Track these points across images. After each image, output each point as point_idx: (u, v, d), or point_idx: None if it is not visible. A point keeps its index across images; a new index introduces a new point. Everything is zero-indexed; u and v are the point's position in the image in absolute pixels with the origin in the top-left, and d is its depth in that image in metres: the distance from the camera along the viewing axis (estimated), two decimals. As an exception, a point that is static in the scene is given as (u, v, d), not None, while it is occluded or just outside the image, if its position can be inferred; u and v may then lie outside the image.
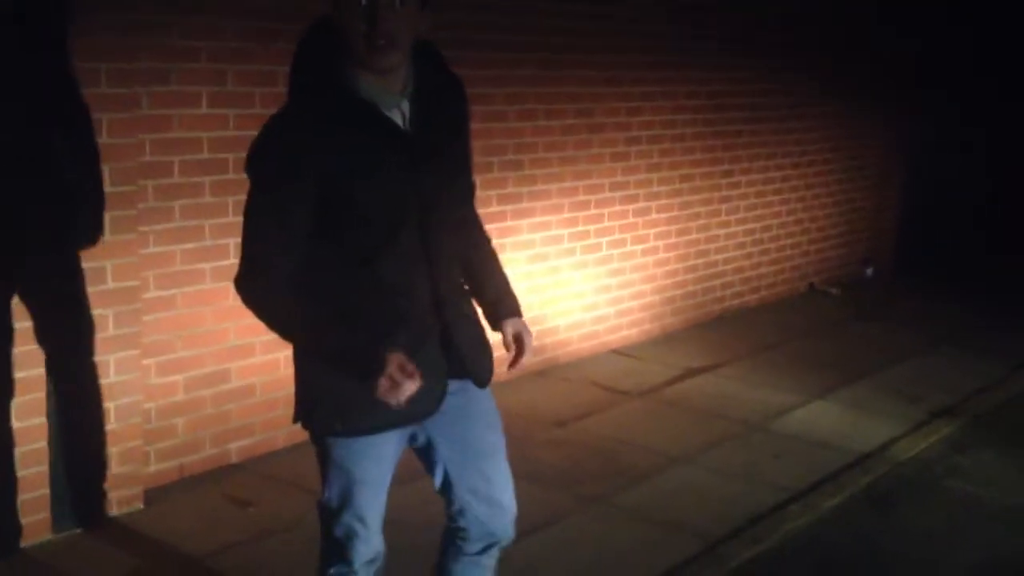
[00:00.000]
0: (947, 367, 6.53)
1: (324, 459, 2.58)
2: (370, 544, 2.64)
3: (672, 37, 6.58)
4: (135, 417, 4.13)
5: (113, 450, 4.08)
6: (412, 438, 2.61)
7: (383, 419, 2.41)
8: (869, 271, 9.12)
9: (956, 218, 9.61)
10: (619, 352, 6.54)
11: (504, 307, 2.67)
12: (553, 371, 6.12)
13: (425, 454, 2.66)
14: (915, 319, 7.72)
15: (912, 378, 6.27)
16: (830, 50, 8.11)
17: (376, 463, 2.54)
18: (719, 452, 5.02)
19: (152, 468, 4.32)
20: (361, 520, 2.59)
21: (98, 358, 3.97)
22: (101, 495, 4.07)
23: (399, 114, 2.33)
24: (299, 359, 2.54)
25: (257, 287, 2.34)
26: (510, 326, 2.65)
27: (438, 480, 2.68)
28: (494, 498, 2.71)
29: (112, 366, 4.02)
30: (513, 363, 2.67)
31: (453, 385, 2.52)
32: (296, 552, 3.81)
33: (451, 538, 2.80)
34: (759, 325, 7.37)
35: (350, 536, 2.62)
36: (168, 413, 4.37)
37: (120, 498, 4.13)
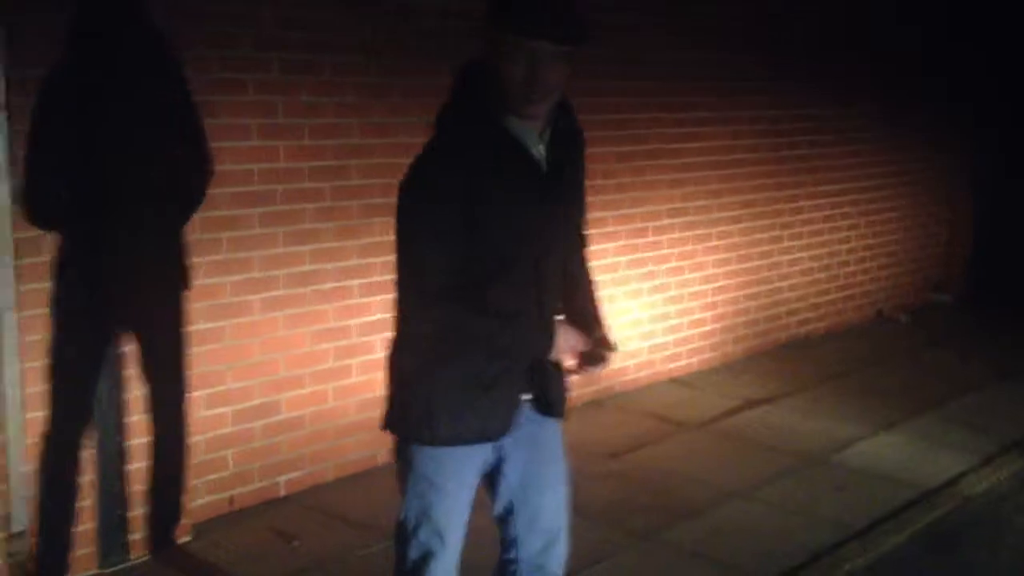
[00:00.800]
0: (1018, 399, 6.29)
1: (406, 471, 2.61)
2: (447, 568, 2.63)
3: (732, 62, 6.47)
4: (179, 452, 4.12)
5: (161, 483, 4.08)
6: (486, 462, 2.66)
7: (465, 431, 2.51)
8: (940, 298, 8.87)
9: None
10: (677, 381, 6.43)
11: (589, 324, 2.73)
12: (608, 401, 6.02)
13: (492, 479, 2.69)
14: (986, 349, 7.46)
15: (982, 410, 6.05)
16: (899, 71, 7.93)
17: (457, 477, 2.58)
18: (777, 486, 4.88)
19: (201, 501, 4.32)
20: (440, 537, 2.59)
21: (140, 392, 3.99)
22: (149, 529, 4.08)
23: (537, 155, 2.46)
24: (399, 365, 2.60)
25: (439, 308, 2.44)
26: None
27: (499, 507, 2.71)
28: (550, 531, 2.72)
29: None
30: (577, 368, 2.69)
31: (530, 413, 2.60)
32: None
33: (502, 571, 2.78)
34: (824, 354, 7.20)
35: (427, 557, 2.60)
36: (217, 446, 4.36)
37: (166, 532, 4.13)
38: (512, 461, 2.65)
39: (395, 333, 2.58)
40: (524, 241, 2.45)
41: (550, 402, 2.62)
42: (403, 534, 2.63)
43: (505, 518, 2.72)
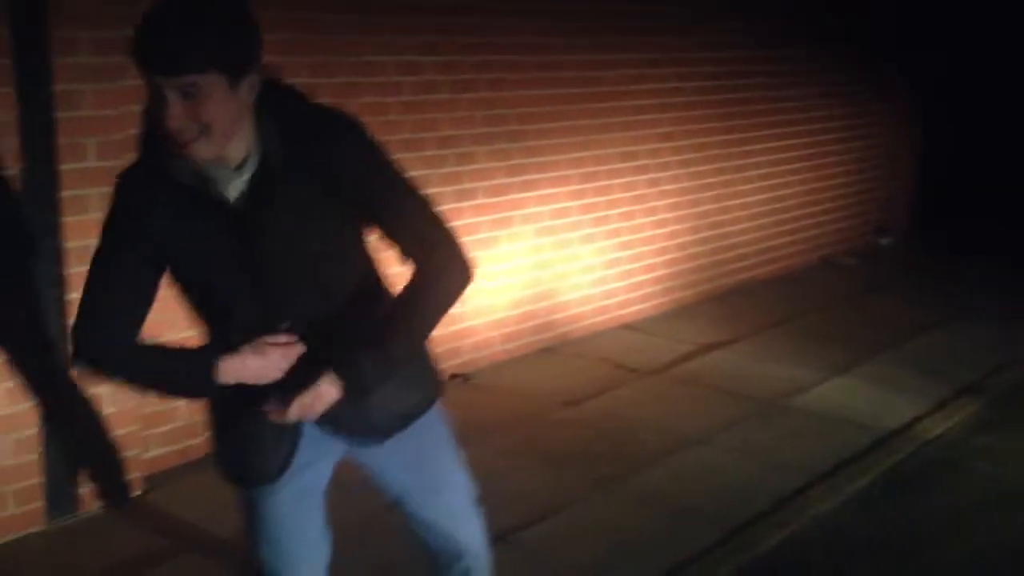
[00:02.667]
0: (968, 341, 6.35)
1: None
2: None
3: (685, 2, 6.36)
4: (133, 401, 3.96)
5: (110, 436, 3.91)
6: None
7: (231, 472, 2.33)
8: (885, 241, 8.93)
9: (971, 186, 9.38)
10: (630, 327, 6.37)
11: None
12: (563, 347, 5.95)
13: (375, 480, 2.47)
14: (932, 291, 7.53)
15: (933, 353, 6.09)
16: (844, 16, 7.89)
17: (269, 518, 2.35)
18: (736, 432, 4.85)
19: (153, 453, 4.16)
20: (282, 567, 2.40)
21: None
22: (98, 482, 3.91)
23: (234, 189, 2.06)
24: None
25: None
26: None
27: (391, 498, 2.51)
28: (446, 531, 2.52)
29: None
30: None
31: (354, 440, 2.32)
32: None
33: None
34: (773, 298, 7.19)
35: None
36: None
37: (118, 485, 3.97)
38: (375, 473, 2.43)
39: None
40: (240, 291, 2.12)
41: (352, 432, 2.29)
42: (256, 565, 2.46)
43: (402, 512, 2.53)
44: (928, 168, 9.16)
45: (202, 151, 1.97)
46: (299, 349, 2.14)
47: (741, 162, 7.18)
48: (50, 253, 3.66)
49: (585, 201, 6.00)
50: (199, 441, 4.29)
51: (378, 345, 2.13)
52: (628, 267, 6.40)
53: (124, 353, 2.12)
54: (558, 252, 5.90)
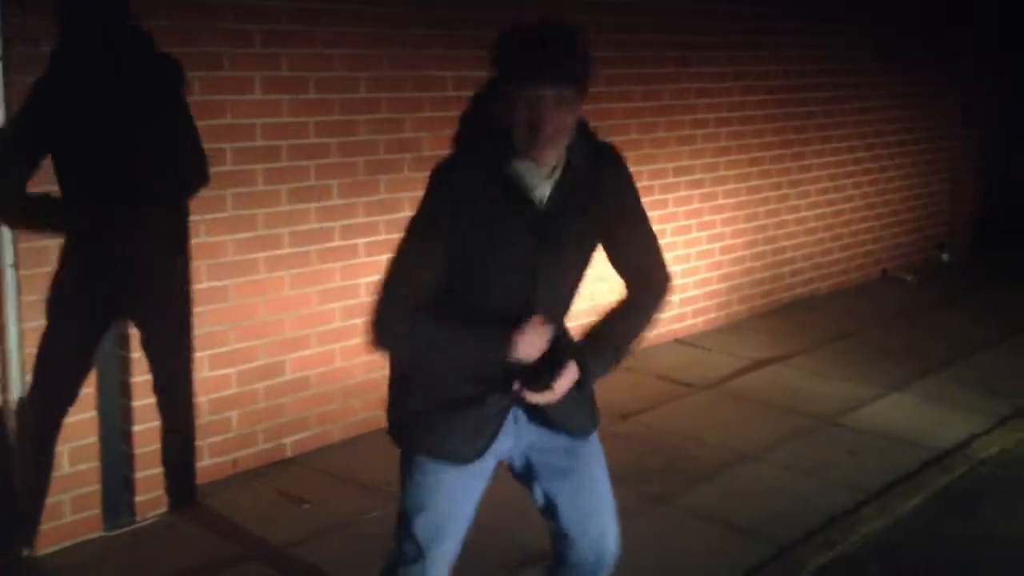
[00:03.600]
0: (1028, 359, 6.24)
1: (400, 468, 2.58)
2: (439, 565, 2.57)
3: (743, 16, 6.34)
4: (185, 412, 4.03)
5: (166, 445, 3.99)
6: (510, 466, 2.62)
7: (432, 447, 2.47)
8: (945, 256, 8.80)
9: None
10: (683, 342, 6.34)
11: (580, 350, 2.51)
12: (616, 362, 5.93)
13: (523, 477, 2.64)
14: (993, 307, 7.40)
15: (991, 371, 5.99)
16: (907, 29, 7.80)
17: (436, 489, 2.51)
18: (790, 448, 4.82)
19: (205, 462, 4.23)
20: (419, 548, 2.54)
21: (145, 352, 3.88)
22: (154, 491, 3.99)
23: (542, 191, 2.37)
24: (393, 371, 2.59)
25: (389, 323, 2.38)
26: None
27: (539, 503, 2.65)
28: (594, 532, 2.65)
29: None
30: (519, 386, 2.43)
31: (542, 432, 2.52)
32: (355, 553, 3.69)
33: (555, 562, 2.74)
34: (830, 313, 7.12)
35: (421, 551, 2.55)
36: (220, 407, 4.26)
37: (173, 494, 4.04)
38: (541, 479, 2.59)
39: None
40: (515, 278, 2.39)
41: (560, 426, 2.51)
42: (401, 523, 2.58)
43: (549, 513, 2.65)
44: (992, 184, 9.00)
45: (550, 154, 2.31)
46: (551, 333, 2.37)
47: (798, 176, 7.13)
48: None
49: (639, 215, 5.98)
50: (250, 452, 4.37)
51: (604, 345, 2.49)
52: (682, 281, 6.37)
53: (423, 321, 2.35)
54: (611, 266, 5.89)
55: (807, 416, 5.20)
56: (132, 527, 3.92)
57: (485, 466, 2.53)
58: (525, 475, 2.62)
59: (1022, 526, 4.14)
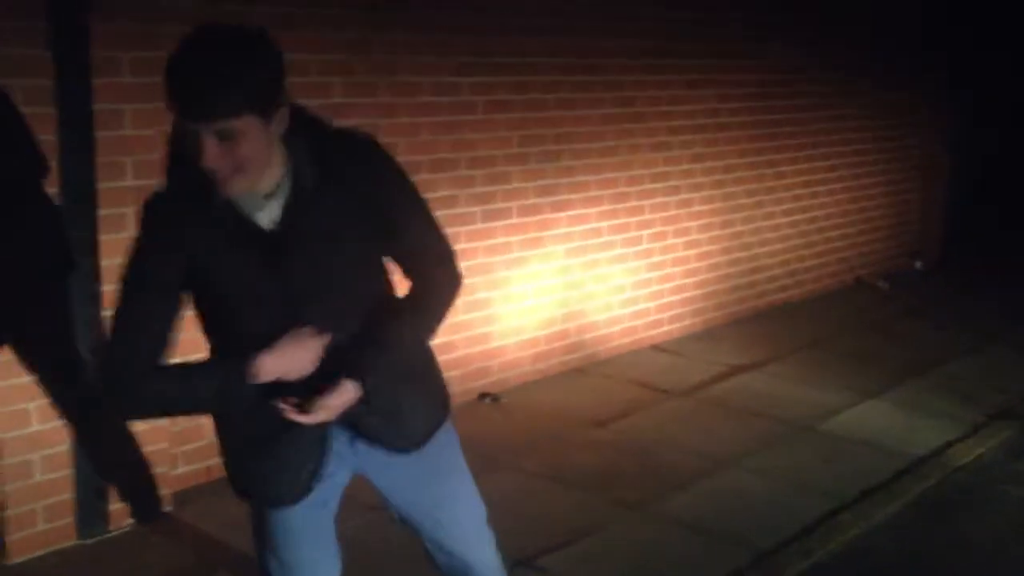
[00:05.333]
0: (1002, 365, 6.28)
1: None
2: None
3: (717, 24, 6.36)
4: (162, 419, 3.99)
5: (140, 453, 3.95)
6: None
7: (254, 492, 2.34)
8: (918, 264, 8.86)
9: (1004, 209, 9.28)
10: (659, 348, 6.35)
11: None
12: (591, 368, 5.94)
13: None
14: (966, 314, 7.45)
15: (965, 378, 6.03)
16: (878, 39, 7.86)
17: (278, 532, 2.38)
18: (766, 455, 4.83)
19: (180, 470, 4.19)
20: None
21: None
22: (127, 499, 3.95)
23: (269, 214, 2.11)
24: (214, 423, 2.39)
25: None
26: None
27: (398, 519, 2.53)
28: (457, 551, 2.52)
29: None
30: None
31: (372, 451, 2.33)
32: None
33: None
34: (804, 320, 7.15)
35: None
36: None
37: (148, 501, 4.00)
38: (388, 498, 2.45)
39: None
40: (260, 305, 2.14)
41: (382, 442, 2.32)
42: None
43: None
44: (962, 191, 9.07)
45: (237, 187, 2.02)
46: (327, 339, 2.14)
47: (773, 183, 7.16)
48: (86, 271, 3.70)
49: (616, 221, 6.01)
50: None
51: (385, 345, 2.20)
52: (658, 288, 6.39)
53: (155, 378, 2.10)
54: (588, 272, 5.91)
55: (782, 423, 5.21)
56: (106, 535, 3.88)
57: (331, 489, 2.36)
58: (385, 493, 2.45)
59: (997, 533, 4.16)
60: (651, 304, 6.37)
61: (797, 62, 7.11)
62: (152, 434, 3.97)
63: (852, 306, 7.65)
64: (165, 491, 4.06)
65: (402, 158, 4.67)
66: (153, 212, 2.12)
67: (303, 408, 2.14)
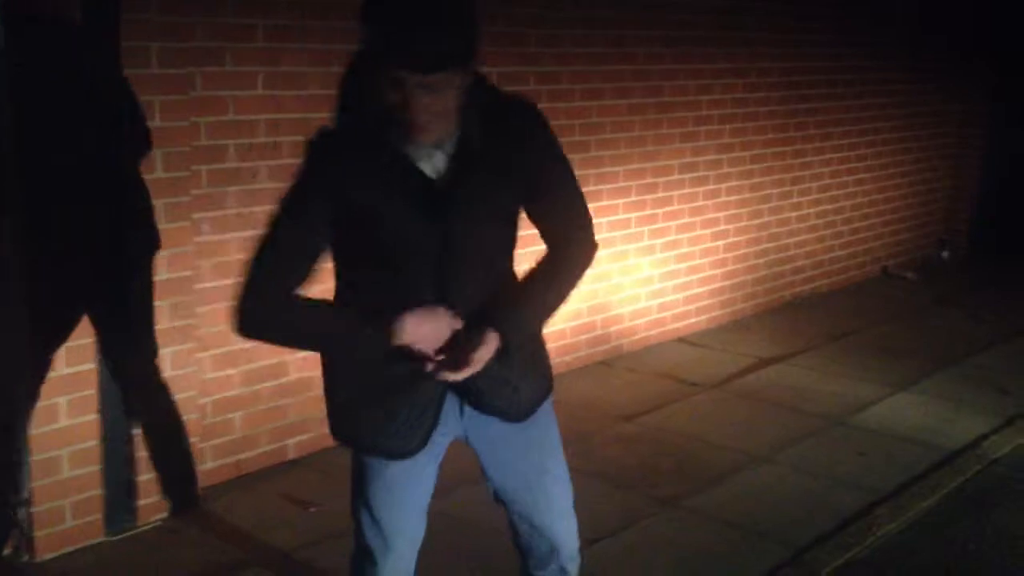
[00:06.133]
0: (1034, 357, 6.20)
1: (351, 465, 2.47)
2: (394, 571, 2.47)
3: (744, 12, 6.28)
4: (192, 413, 3.96)
5: (168, 448, 3.91)
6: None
7: (362, 443, 2.34)
8: (945, 254, 8.76)
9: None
10: (687, 341, 6.28)
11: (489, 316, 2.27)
12: (618, 361, 5.88)
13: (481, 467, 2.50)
14: (995, 305, 7.36)
15: (999, 368, 5.95)
16: (906, 26, 7.76)
17: (379, 484, 2.37)
18: (799, 449, 4.76)
19: (208, 465, 4.15)
20: (384, 545, 2.43)
21: (151, 353, 3.80)
22: (155, 495, 3.91)
23: (436, 164, 2.16)
24: (324, 369, 2.42)
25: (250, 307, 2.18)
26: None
27: (492, 493, 2.54)
28: (545, 527, 2.52)
29: (167, 360, 3.85)
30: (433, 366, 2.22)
31: (479, 418, 2.37)
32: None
33: (519, 553, 2.64)
34: (833, 311, 7.07)
35: (370, 558, 2.46)
36: (224, 408, 4.19)
37: (176, 497, 3.97)
38: (484, 457, 2.45)
39: None
40: (415, 254, 2.18)
41: (493, 411, 2.34)
42: (355, 529, 2.48)
43: (502, 505, 2.54)
44: (991, 180, 8.95)
45: (431, 135, 2.08)
46: (459, 323, 2.18)
47: (801, 173, 7.08)
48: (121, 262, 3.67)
49: (644, 212, 5.94)
50: (253, 454, 4.29)
51: (526, 311, 2.26)
52: (686, 279, 6.32)
53: (291, 308, 2.15)
54: (615, 264, 5.84)
55: (814, 416, 5.14)
56: (134, 532, 3.84)
57: (434, 451, 2.37)
58: (477, 459, 2.47)
59: (1036, 527, 4.09)
60: (679, 296, 6.30)
61: (826, 50, 7.01)
62: (181, 429, 3.93)
63: (880, 297, 7.57)
64: (194, 486, 4.02)
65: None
66: (318, 150, 2.16)
67: (450, 365, 2.15)
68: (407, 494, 2.40)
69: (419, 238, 2.16)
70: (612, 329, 5.93)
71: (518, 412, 2.37)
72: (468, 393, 2.30)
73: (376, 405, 2.28)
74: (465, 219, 2.18)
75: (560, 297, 2.33)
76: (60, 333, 3.56)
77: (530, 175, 2.25)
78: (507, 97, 2.24)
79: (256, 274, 2.14)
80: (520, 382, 2.34)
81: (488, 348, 2.17)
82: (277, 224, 2.15)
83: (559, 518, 2.54)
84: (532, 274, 2.32)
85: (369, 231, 2.15)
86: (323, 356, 2.40)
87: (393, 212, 2.14)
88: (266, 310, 2.15)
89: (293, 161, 4.14)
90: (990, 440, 4.90)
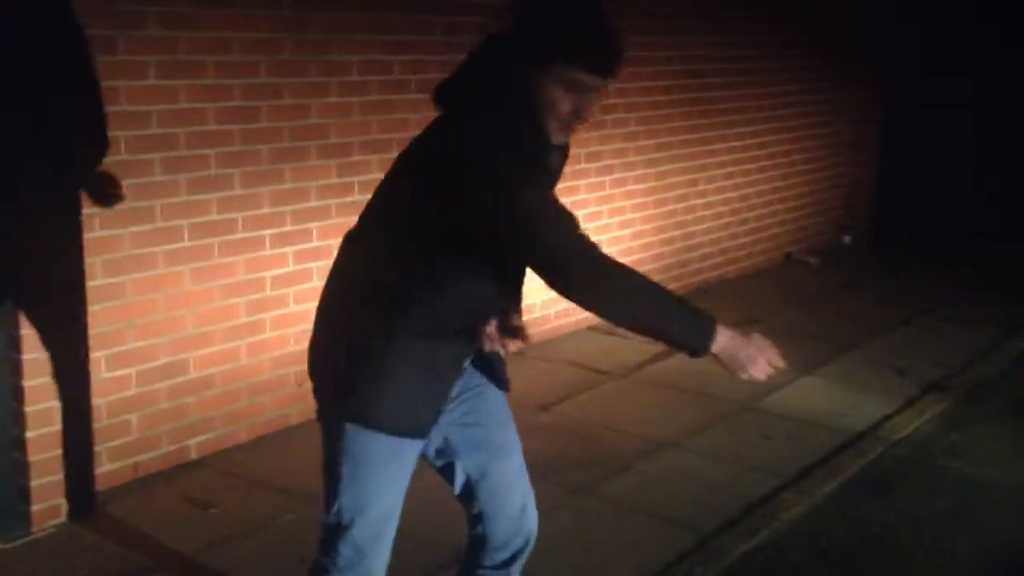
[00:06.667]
0: (933, 338, 6.34)
1: (340, 456, 2.35)
2: (382, 565, 2.47)
3: (648, 1, 6.29)
4: (82, 415, 3.83)
5: (63, 451, 3.78)
6: (425, 454, 2.51)
7: (410, 421, 2.34)
8: (847, 239, 8.93)
9: (937, 181, 9.33)
10: (596, 329, 6.29)
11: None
12: (530, 351, 5.85)
13: (442, 457, 2.54)
14: (897, 288, 7.53)
15: (899, 351, 6.07)
16: (806, 11, 7.86)
17: (397, 467, 2.39)
18: (706, 435, 4.79)
19: (105, 468, 4.02)
20: (377, 533, 2.41)
21: (38, 355, 3.66)
22: (50, 499, 3.78)
23: (554, 158, 2.38)
24: (359, 336, 2.31)
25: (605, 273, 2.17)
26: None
27: (459, 484, 2.56)
28: (516, 501, 2.61)
29: (59, 361, 3.72)
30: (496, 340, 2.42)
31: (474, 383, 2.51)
32: (267, 558, 3.55)
33: (474, 549, 2.67)
34: (738, 298, 7.15)
35: (362, 554, 2.41)
36: (120, 409, 4.06)
37: (71, 502, 3.83)
38: (458, 437, 2.51)
39: (360, 302, 2.34)
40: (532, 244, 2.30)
41: (498, 379, 2.57)
42: (337, 527, 2.40)
43: (468, 494, 2.58)
44: (890, 166, 9.14)
45: (571, 136, 2.35)
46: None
47: (706, 161, 7.13)
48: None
49: (550, 202, 5.90)
50: (153, 455, 4.17)
51: None
52: (593, 268, 6.31)
53: (634, 277, 2.20)
54: (523, 254, 5.80)
55: (721, 401, 5.19)
56: (28, 539, 3.70)
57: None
58: (444, 455, 2.52)
59: (938, 506, 4.16)
60: (586, 285, 6.28)
61: (728, 38, 7.07)
62: (75, 431, 3.80)
63: (784, 283, 7.68)
64: (91, 490, 3.90)
65: (334, 139, 4.51)
66: (510, 132, 2.19)
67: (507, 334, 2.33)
68: (402, 488, 2.42)
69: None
70: (524, 319, 5.88)
71: (505, 383, 2.58)
72: (483, 363, 2.47)
73: (438, 383, 2.34)
74: None
75: None
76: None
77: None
78: None
79: (585, 239, 2.14)
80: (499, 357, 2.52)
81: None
82: (548, 195, 2.23)
83: (527, 495, 2.64)
84: None
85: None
86: (370, 340, 2.28)
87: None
88: (619, 272, 2.17)
89: (187, 153, 4.06)
90: (891, 422, 4.99)
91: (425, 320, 2.26)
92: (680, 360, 5.63)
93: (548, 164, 2.34)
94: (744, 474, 4.40)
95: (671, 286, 6.86)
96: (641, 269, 6.61)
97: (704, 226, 7.25)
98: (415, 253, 2.25)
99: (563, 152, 2.43)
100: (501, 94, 2.24)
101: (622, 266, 2.17)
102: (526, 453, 4.44)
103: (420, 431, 2.37)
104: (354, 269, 2.37)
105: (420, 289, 2.25)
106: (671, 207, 6.87)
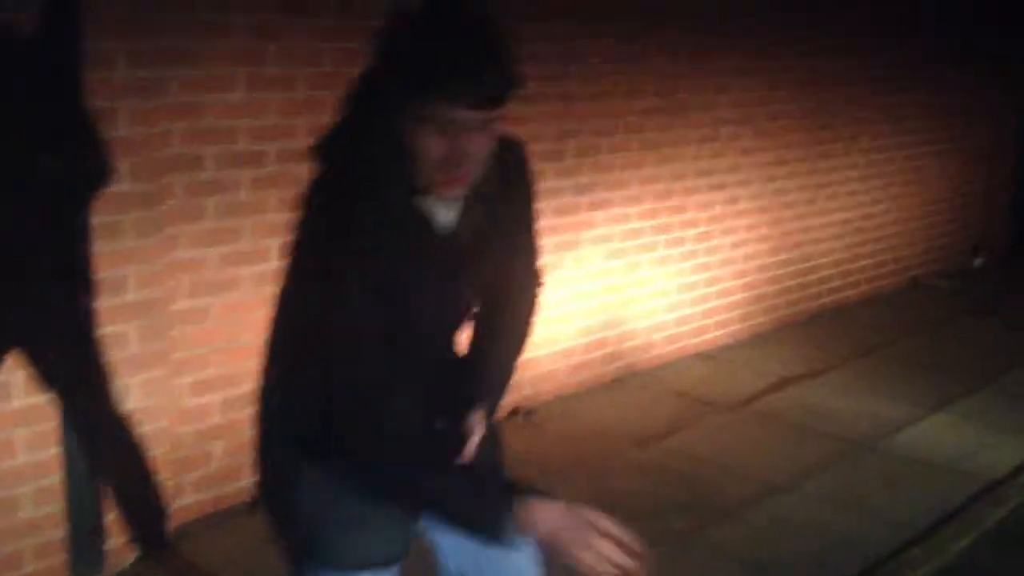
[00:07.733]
0: (1078, 373, 5.84)
1: None
2: None
3: (765, 8, 5.95)
4: (165, 445, 3.67)
5: (138, 484, 3.63)
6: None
7: (362, 553, 2.03)
8: (978, 261, 8.38)
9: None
10: (706, 356, 5.95)
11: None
12: (630, 379, 5.55)
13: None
14: (1034, 315, 7.01)
15: (1039, 386, 5.60)
16: (937, 22, 7.40)
17: None
18: (824, 478, 4.43)
19: (185, 501, 3.86)
20: None
21: (118, 381, 3.51)
22: (127, 534, 3.63)
23: (447, 216, 1.88)
24: (270, 454, 2.08)
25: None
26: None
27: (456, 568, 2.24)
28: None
29: (137, 388, 3.57)
30: None
31: None
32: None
33: None
34: (861, 324, 6.72)
35: None
36: (203, 438, 3.89)
37: (148, 536, 3.68)
38: (449, 557, 2.20)
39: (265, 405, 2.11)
40: (432, 322, 1.97)
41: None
42: None
43: None
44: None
45: (465, 185, 1.82)
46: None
47: (826, 178, 6.74)
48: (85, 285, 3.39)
49: (658, 221, 5.61)
50: (233, 488, 3.99)
51: (499, 383, 2.19)
52: (703, 291, 5.99)
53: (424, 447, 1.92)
54: (628, 276, 5.52)
55: (840, 440, 4.81)
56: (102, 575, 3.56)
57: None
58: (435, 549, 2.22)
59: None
60: (696, 309, 5.97)
61: (852, 47, 6.67)
62: (153, 463, 3.65)
63: (910, 308, 7.21)
64: (168, 524, 3.74)
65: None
66: (342, 235, 1.78)
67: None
68: None
69: (437, 302, 1.93)
70: (627, 345, 5.61)
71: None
72: None
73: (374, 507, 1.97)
74: (473, 276, 1.98)
75: (520, 353, 2.24)
76: (13, 361, 3.28)
77: (516, 224, 2.07)
78: (507, 136, 1.93)
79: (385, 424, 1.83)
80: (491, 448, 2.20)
81: (480, 428, 2.11)
82: (355, 354, 1.82)
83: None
84: (503, 335, 2.19)
85: (396, 304, 1.82)
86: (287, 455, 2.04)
87: (414, 279, 1.85)
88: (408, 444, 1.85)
89: (278, 168, 3.88)
90: (1032, 467, 4.56)
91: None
92: (796, 392, 5.35)
93: (427, 234, 1.85)
94: (866, 525, 4.03)
95: (787, 311, 6.52)
96: (756, 292, 6.30)
97: (823, 247, 6.85)
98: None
99: (484, 207, 1.90)
100: (360, 152, 1.83)
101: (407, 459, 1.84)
102: (623, 494, 4.20)
103: (390, 559, 2.07)
104: None
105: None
106: (788, 226, 6.50)
